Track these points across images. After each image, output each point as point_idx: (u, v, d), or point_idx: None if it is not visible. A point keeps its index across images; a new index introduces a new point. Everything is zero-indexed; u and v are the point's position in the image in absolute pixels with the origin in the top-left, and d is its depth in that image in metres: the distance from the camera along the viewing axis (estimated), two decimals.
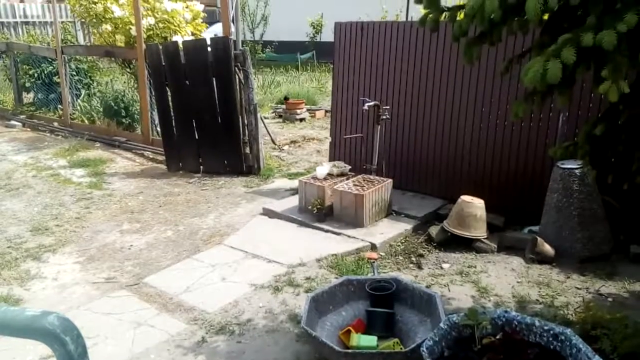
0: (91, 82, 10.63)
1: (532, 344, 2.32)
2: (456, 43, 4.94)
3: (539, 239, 4.19)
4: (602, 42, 1.82)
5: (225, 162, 6.73)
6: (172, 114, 6.84)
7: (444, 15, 2.53)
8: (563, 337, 2.25)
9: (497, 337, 2.33)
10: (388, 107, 5.41)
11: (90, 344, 3.14)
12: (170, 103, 6.82)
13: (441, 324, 2.39)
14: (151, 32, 7.85)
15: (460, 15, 2.50)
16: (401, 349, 2.84)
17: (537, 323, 2.35)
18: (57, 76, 9.81)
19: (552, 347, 2.28)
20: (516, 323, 2.38)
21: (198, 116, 6.67)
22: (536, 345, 2.31)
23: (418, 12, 3.52)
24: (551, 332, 2.30)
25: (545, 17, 2.44)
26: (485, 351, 2.26)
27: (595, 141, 2.64)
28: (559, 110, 4.52)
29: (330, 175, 5.28)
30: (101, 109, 9.09)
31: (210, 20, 11.85)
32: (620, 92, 1.90)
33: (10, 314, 1.10)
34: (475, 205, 4.42)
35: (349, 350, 2.75)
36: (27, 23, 15.60)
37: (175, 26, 7.98)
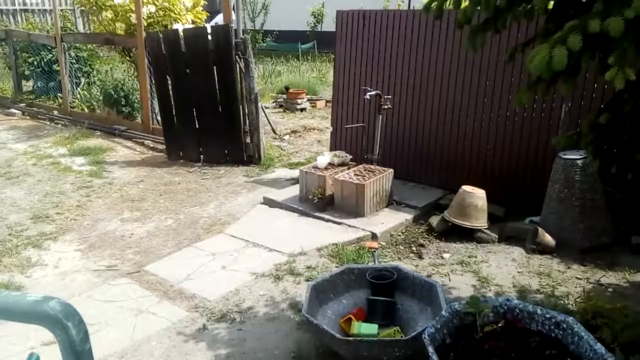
0: (91, 70, 10.59)
1: (533, 332, 2.32)
2: (459, 32, 4.90)
3: (539, 229, 4.19)
4: (608, 28, 1.80)
5: (226, 151, 6.71)
6: (172, 102, 6.81)
7: (448, 1, 2.50)
8: (565, 326, 2.25)
9: (499, 325, 2.33)
10: (390, 96, 5.38)
11: (91, 330, 3.13)
12: (171, 91, 6.79)
13: (443, 312, 2.39)
14: (151, 20, 7.79)
15: (465, 2, 2.47)
16: (402, 337, 2.84)
17: (539, 311, 2.35)
18: (56, 64, 9.75)
19: (553, 335, 2.29)
20: (518, 311, 2.38)
21: (198, 105, 6.64)
22: (538, 333, 2.32)
23: (420, 2, 3.49)
24: (553, 320, 2.30)
25: (550, 6, 2.41)
26: (487, 339, 2.26)
27: (599, 130, 2.63)
28: (561, 100, 4.50)
29: (331, 164, 5.27)
30: (101, 98, 9.05)
31: (210, 10, 11.77)
32: (626, 80, 1.88)
33: (12, 299, 1.09)
34: (476, 195, 4.41)
35: (350, 338, 2.76)
36: (26, 10, 15.50)
37: (175, 14, 7.92)
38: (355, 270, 3.27)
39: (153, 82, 7.22)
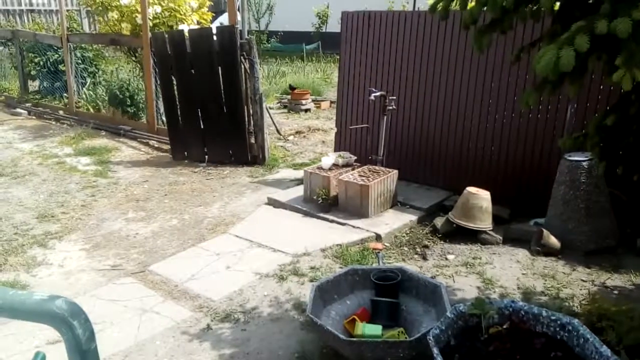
0: (96, 70, 10.64)
1: (539, 334, 2.31)
2: (464, 33, 4.90)
3: (544, 231, 4.17)
4: (616, 29, 1.79)
5: (230, 151, 6.72)
6: (177, 103, 6.83)
7: (454, 2, 2.50)
8: (570, 328, 2.24)
9: (504, 326, 2.32)
10: (394, 97, 5.37)
11: (96, 329, 3.12)
12: (176, 92, 6.81)
13: (447, 313, 2.39)
14: (157, 21, 7.82)
15: (471, 3, 2.47)
16: (406, 338, 2.84)
17: (544, 313, 2.34)
18: (62, 64, 9.80)
19: (559, 337, 2.27)
20: (523, 313, 2.37)
21: (203, 105, 6.65)
22: (543, 335, 2.30)
23: (425, 3, 3.50)
24: (558, 322, 2.29)
25: (556, 7, 2.41)
26: (491, 340, 2.25)
27: (606, 132, 2.62)
28: (567, 102, 4.48)
29: (335, 165, 5.27)
30: (106, 98, 9.09)
31: (215, 10, 11.79)
32: (634, 81, 1.88)
33: (19, 298, 1.10)
34: (481, 196, 4.40)
35: (354, 339, 2.75)
36: (32, 11, 15.58)
37: (181, 15, 7.95)
38: (360, 271, 3.27)
39: (158, 82, 7.25)
